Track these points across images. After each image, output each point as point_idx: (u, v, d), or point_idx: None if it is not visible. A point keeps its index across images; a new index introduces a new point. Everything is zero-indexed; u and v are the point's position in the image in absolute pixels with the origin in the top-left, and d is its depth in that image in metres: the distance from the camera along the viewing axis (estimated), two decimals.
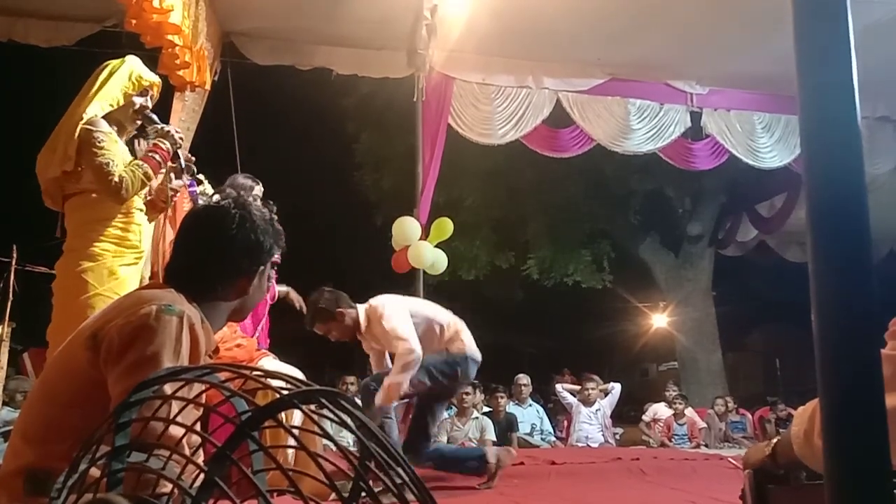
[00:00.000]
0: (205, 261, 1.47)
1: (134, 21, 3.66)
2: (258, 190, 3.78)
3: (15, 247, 12.64)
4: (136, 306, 1.28)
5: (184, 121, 4.73)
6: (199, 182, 3.39)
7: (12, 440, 1.30)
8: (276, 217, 1.59)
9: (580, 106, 6.09)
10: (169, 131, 2.78)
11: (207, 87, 4.80)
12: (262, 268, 1.52)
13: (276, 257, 1.59)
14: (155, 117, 2.81)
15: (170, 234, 3.16)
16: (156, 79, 2.84)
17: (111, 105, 2.67)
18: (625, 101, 6.19)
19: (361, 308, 3.46)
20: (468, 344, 3.52)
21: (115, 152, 2.59)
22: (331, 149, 12.24)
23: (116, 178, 2.51)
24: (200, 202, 3.27)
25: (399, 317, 3.34)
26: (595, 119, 6.11)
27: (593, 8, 5.14)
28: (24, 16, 5.17)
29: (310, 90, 9.27)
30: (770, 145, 6.42)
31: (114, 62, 2.76)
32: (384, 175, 10.43)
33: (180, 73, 4.25)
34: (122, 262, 2.59)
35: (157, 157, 2.69)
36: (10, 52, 5.58)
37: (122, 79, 2.72)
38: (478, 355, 3.56)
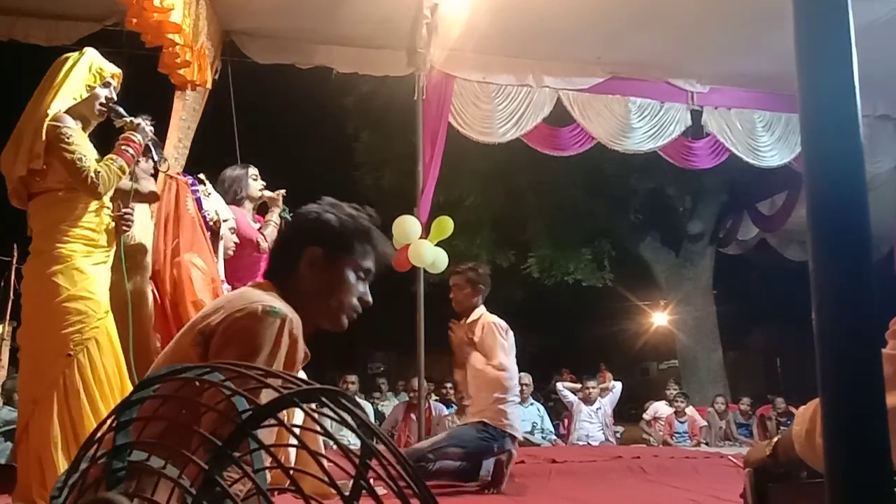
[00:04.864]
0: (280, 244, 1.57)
1: (134, 20, 3.65)
2: (252, 171, 3.76)
3: (16, 246, 12.66)
4: (243, 304, 1.28)
5: (184, 119, 4.72)
6: (202, 182, 3.35)
7: None
8: (369, 217, 1.50)
9: (581, 104, 6.08)
10: (139, 124, 2.71)
11: (208, 85, 4.80)
12: (328, 251, 1.43)
13: (367, 263, 1.47)
14: (122, 110, 2.72)
15: (171, 234, 3.15)
16: (117, 70, 2.77)
17: (74, 99, 2.61)
18: (625, 99, 6.17)
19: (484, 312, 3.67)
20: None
21: (85, 147, 2.53)
22: (331, 147, 12.23)
23: (92, 174, 2.46)
24: (203, 202, 3.25)
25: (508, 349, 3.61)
26: (595, 117, 6.10)
27: (594, 7, 5.13)
28: (24, 15, 5.16)
29: (310, 89, 9.26)
30: (770, 144, 6.39)
31: (73, 55, 2.68)
32: (384, 174, 10.42)
33: (181, 72, 4.24)
34: (91, 261, 2.51)
35: (129, 150, 2.63)
36: (11, 52, 5.57)
37: (83, 71, 2.65)
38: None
